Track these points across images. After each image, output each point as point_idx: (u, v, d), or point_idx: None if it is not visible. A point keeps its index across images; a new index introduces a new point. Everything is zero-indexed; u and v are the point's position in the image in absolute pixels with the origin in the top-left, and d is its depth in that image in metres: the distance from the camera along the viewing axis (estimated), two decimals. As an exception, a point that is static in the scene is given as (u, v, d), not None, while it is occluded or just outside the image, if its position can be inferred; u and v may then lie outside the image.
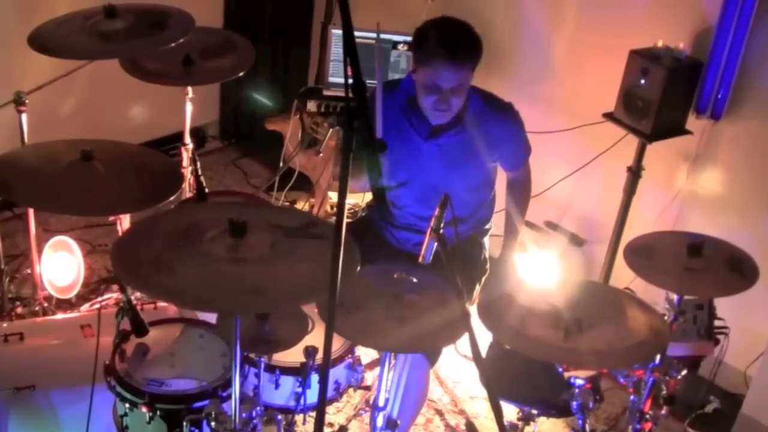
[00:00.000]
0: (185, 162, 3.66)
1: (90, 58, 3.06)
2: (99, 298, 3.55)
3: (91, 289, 3.78)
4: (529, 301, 2.36)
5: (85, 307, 3.51)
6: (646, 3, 3.67)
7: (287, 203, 4.69)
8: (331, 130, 3.17)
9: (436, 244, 2.17)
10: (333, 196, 4.28)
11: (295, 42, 4.98)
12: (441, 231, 2.15)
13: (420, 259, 2.25)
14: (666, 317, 2.56)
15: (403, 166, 2.99)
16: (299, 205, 4.63)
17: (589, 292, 2.43)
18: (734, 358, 3.39)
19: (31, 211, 3.24)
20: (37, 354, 2.73)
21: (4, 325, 2.89)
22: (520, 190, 3.20)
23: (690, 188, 3.66)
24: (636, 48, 3.40)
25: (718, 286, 2.46)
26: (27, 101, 3.05)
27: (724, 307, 2.90)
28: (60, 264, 3.42)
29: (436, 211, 2.14)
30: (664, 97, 3.31)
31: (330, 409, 3.43)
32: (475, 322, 2.36)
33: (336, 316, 2.36)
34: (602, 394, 2.75)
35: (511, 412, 2.73)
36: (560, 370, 2.42)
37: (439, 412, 3.54)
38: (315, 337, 2.71)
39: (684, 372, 2.78)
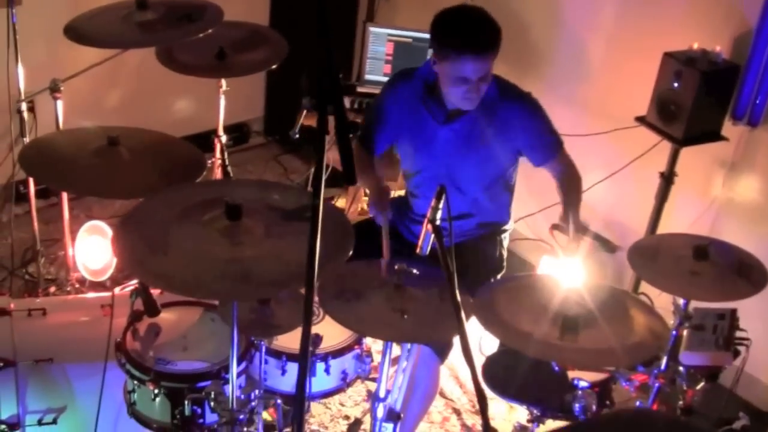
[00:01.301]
0: (218, 153, 3.73)
1: (122, 47, 3.16)
2: (131, 282, 3.63)
3: (126, 274, 3.87)
4: (531, 297, 2.35)
5: (117, 290, 3.60)
6: (684, 4, 3.61)
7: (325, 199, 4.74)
8: (305, 111, 3.20)
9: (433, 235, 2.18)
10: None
11: (340, 40, 5.03)
12: (437, 222, 2.15)
13: (417, 250, 2.26)
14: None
15: (420, 153, 3.01)
16: (338, 203, 4.68)
17: (592, 292, 2.40)
18: (757, 369, 3.30)
19: (65, 196, 3.34)
20: (57, 330, 2.82)
21: (36, 300, 2.99)
22: (565, 183, 3.07)
23: (726, 196, 3.58)
24: (671, 50, 3.35)
25: (722, 291, 2.40)
26: (62, 88, 3.15)
27: (750, 317, 2.84)
28: (93, 248, 3.52)
29: (433, 202, 2.15)
30: (698, 102, 3.25)
31: (347, 402, 3.47)
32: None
33: (335, 304, 2.42)
34: (613, 399, 2.73)
35: (522, 414, 2.74)
36: (556, 368, 2.39)
37: (457, 412, 3.53)
38: (322, 327, 2.75)
39: (702, 384, 2.74)
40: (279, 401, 2.60)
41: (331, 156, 4.45)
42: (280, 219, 2.14)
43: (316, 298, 2.60)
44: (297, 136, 3.34)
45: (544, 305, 2.32)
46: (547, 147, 3.01)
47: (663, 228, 3.58)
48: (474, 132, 2.93)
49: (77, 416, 2.69)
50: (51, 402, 2.67)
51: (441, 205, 2.13)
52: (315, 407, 3.43)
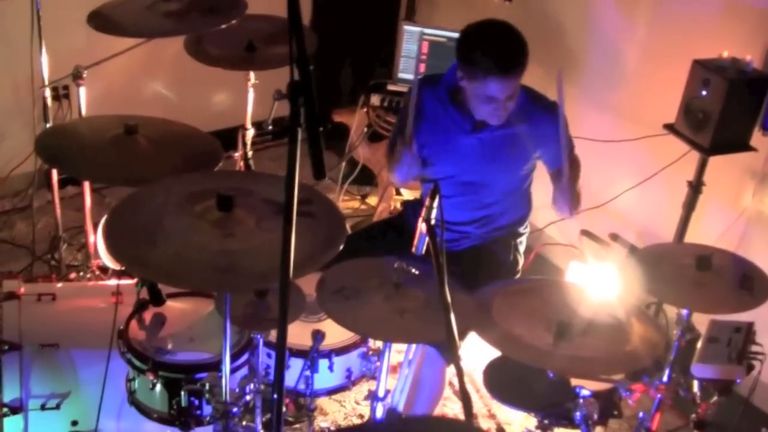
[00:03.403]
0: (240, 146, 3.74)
1: (145, 36, 3.18)
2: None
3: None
4: (528, 302, 2.30)
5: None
6: (719, 13, 3.52)
7: (358, 197, 4.74)
8: (276, 102, 3.19)
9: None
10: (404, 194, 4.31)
11: (381, 39, 5.01)
12: (432, 222, 2.12)
13: (413, 249, 2.23)
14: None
15: (442, 161, 2.98)
16: (371, 200, 4.68)
17: (591, 298, 2.34)
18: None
19: (87, 184, 3.38)
20: (65, 315, 2.84)
21: (48, 285, 3.03)
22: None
23: (756, 208, 3.49)
24: (701, 58, 3.26)
25: (724, 303, 2.32)
26: (85, 75, 3.19)
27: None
28: (115, 235, 3.55)
29: (427, 201, 2.12)
30: (726, 111, 3.15)
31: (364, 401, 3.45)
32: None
33: (333, 302, 2.40)
34: (620, 409, 2.66)
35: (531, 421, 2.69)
36: (550, 375, 2.34)
37: (473, 416, 3.48)
38: (328, 324, 2.73)
39: (715, 398, 2.67)
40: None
41: (361, 153, 4.47)
42: (273, 212, 2.11)
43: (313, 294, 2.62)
44: (270, 127, 3.34)
45: (539, 310, 2.27)
46: (564, 154, 2.95)
47: (691, 238, 3.49)
48: (501, 141, 2.92)
49: (81, 402, 2.72)
50: (55, 387, 2.70)
51: (435, 205, 2.10)
52: (329, 405, 3.42)
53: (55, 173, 3.46)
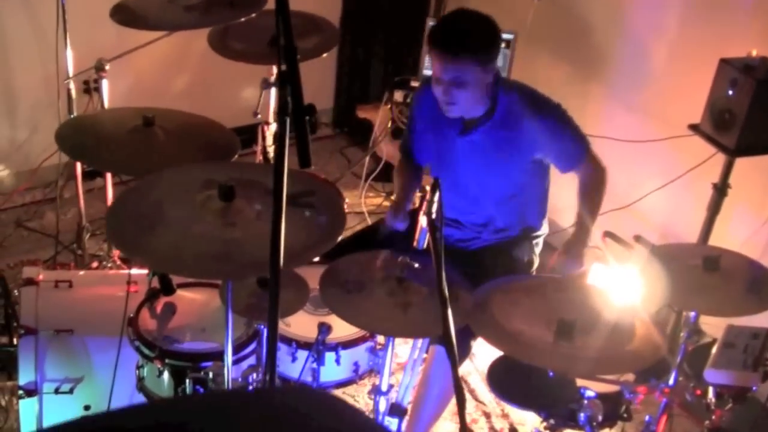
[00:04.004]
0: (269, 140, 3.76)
1: (167, 29, 3.23)
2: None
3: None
4: (530, 299, 2.28)
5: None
6: (749, 11, 3.45)
7: (384, 194, 4.74)
8: (263, 92, 3.20)
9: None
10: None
11: (410, 36, 5.01)
12: (432, 215, 2.11)
13: (414, 243, 2.23)
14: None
15: (439, 161, 2.97)
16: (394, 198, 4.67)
17: (595, 297, 2.32)
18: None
19: (108, 175, 3.43)
20: (81, 302, 2.88)
21: (67, 272, 3.08)
22: (586, 186, 3.01)
23: (785, 213, 3.41)
24: (729, 57, 3.20)
25: (731, 306, 2.27)
26: (107, 68, 3.24)
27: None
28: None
29: (427, 195, 2.11)
30: (753, 111, 3.07)
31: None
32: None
33: (336, 295, 2.40)
34: (630, 412, 2.63)
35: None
36: (551, 374, 2.31)
37: (487, 415, 3.47)
38: (335, 317, 2.74)
39: (730, 405, 2.63)
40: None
41: (385, 149, 4.45)
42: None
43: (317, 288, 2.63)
44: (258, 116, 3.38)
45: (541, 308, 2.25)
46: (574, 155, 2.95)
47: (715, 242, 3.43)
48: (493, 144, 2.87)
49: (93, 388, 2.76)
50: (69, 372, 2.75)
51: (436, 199, 2.09)
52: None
53: (78, 165, 3.51)
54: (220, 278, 2.21)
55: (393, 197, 3.79)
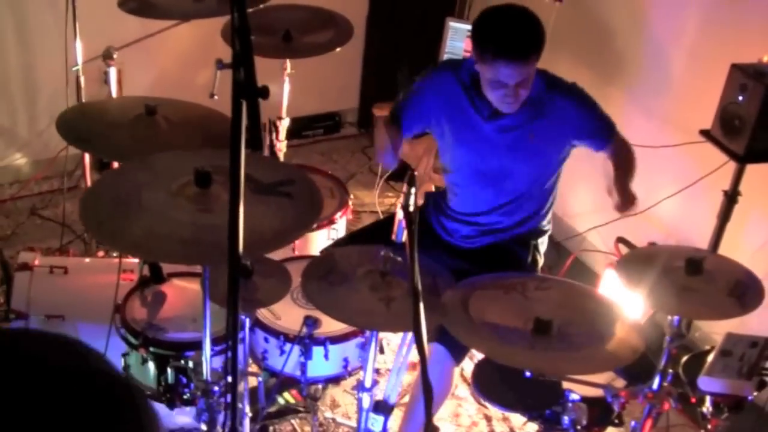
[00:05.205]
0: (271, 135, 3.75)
1: (176, 18, 3.25)
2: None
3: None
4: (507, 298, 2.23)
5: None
6: (764, 16, 3.35)
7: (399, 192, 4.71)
8: (218, 71, 3.16)
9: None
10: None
11: (430, 34, 4.97)
12: (410, 208, 2.07)
13: (392, 237, 2.19)
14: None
15: (462, 149, 2.92)
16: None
17: (580, 297, 2.26)
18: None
19: (115, 165, 3.44)
20: (74, 288, 2.90)
21: (63, 259, 3.09)
22: (619, 156, 2.94)
23: (797, 223, 3.31)
24: (740, 62, 3.11)
25: (712, 310, 2.20)
26: (116, 56, 3.25)
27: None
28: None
29: (404, 188, 2.07)
30: (763, 117, 3.00)
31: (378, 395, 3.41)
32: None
33: (318, 287, 2.38)
34: (621, 417, 2.57)
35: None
36: (527, 374, 2.25)
37: (488, 418, 3.42)
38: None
39: (726, 414, 2.56)
40: (260, 379, 2.58)
41: (402, 148, 4.37)
42: (252, 190, 2.11)
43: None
44: (216, 97, 3.33)
45: (519, 307, 2.19)
46: (604, 131, 2.90)
47: (727, 250, 3.33)
48: (523, 128, 2.83)
49: (83, 374, 2.77)
50: (58, 358, 2.76)
51: (413, 191, 2.05)
52: (341, 396, 3.40)
53: (87, 155, 3.54)
54: (192, 263, 2.20)
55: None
